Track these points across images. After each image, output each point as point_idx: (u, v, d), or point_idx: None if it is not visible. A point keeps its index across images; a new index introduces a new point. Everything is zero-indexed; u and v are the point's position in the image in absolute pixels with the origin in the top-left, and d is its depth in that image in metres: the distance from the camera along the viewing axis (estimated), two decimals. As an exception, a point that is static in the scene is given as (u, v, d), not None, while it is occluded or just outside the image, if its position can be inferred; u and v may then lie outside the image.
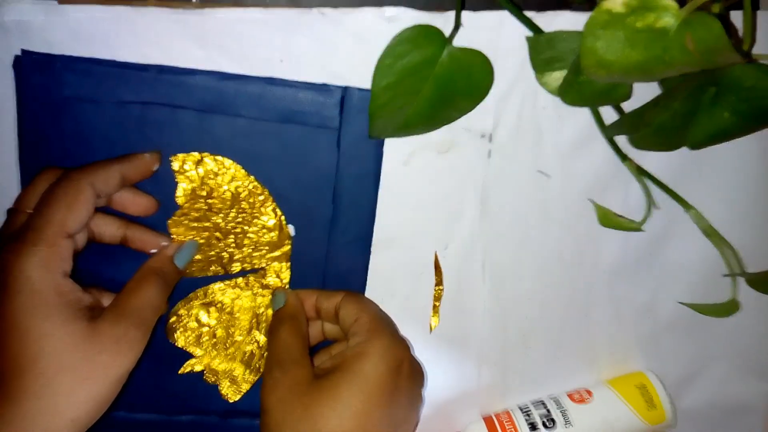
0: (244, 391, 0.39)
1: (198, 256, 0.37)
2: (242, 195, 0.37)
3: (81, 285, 0.32)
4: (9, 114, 0.36)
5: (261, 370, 0.39)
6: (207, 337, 0.38)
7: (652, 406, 0.39)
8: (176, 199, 0.37)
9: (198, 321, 0.38)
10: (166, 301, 0.34)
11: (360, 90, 0.36)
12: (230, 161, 0.37)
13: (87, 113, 0.36)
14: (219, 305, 0.38)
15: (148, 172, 0.36)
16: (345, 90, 0.36)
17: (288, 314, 0.36)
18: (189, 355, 0.39)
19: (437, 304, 0.40)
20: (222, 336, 0.39)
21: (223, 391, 0.39)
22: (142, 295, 0.33)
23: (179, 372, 0.39)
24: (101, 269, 0.36)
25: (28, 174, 0.36)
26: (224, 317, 0.38)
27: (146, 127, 0.36)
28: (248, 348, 0.39)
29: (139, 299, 0.32)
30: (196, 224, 0.37)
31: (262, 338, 0.39)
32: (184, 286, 0.38)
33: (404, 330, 0.39)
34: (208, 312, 0.38)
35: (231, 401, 0.39)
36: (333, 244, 0.38)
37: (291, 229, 0.38)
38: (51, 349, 0.29)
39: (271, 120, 0.36)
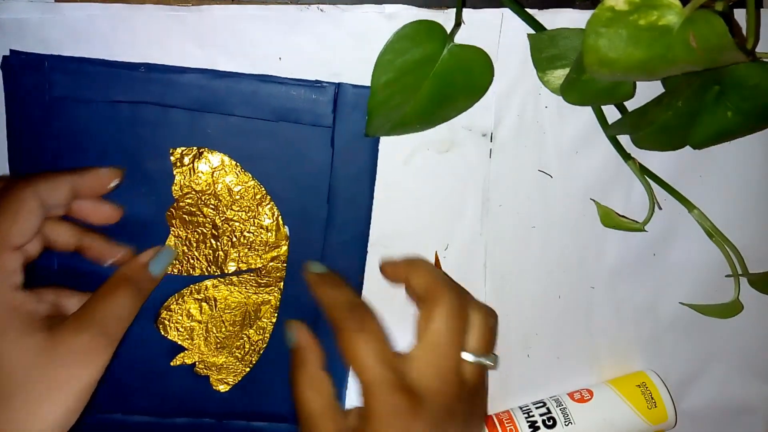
0: (234, 383, 0.39)
1: (194, 254, 0.37)
2: (240, 192, 0.37)
3: (42, 283, 0.31)
4: (-1, 115, 0.36)
5: (252, 363, 0.39)
6: (198, 332, 0.38)
7: (653, 405, 0.39)
8: (173, 192, 0.37)
9: (190, 316, 0.38)
10: (137, 310, 0.33)
11: (354, 86, 0.36)
12: (228, 158, 0.36)
13: (77, 113, 0.35)
14: (212, 302, 0.38)
15: (103, 188, 0.34)
16: (338, 87, 0.36)
17: (309, 375, 0.34)
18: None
19: (438, 304, 0.39)
20: (213, 331, 0.38)
21: (213, 383, 0.39)
22: (110, 304, 0.32)
23: (171, 363, 0.38)
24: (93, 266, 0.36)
25: (19, 174, 0.36)
26: (216, 313, 0.38)
27: (137, 127, 0.36)
28: (239, 342, 0.39)
29: (106, 308, 0.31)
30: (192, 218, 0.37)
31: (252, 332, 0.39)
32: (177, 282, 0.38)
33: (404, 332, 0.38)
34: (200, 308, 0.38)
35: (222, 391, 0.39)
36: (329, 243, 0.38)
37: (285, 230, 0.38)
38: (7, 367, 0.28)
39: (264, 118, 0.36)
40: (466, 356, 0.33)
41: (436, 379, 0.31)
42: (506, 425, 0.39)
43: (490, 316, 0.34)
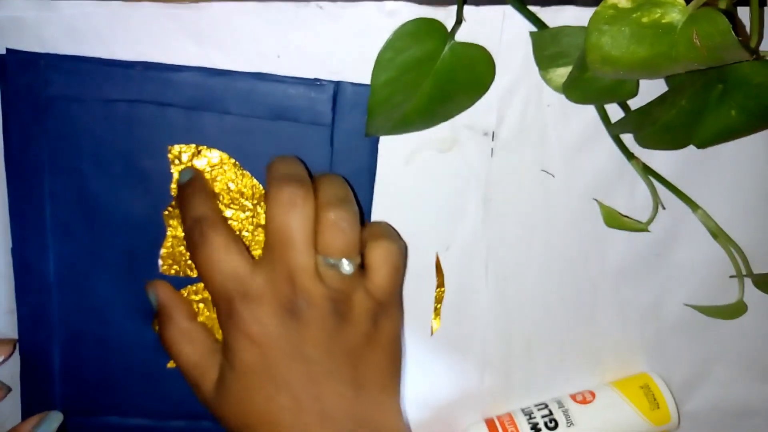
0: None
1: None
2: (238, 191, 0.37)
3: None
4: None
5: None
6: None
7: (655, 407, 0.39)
8: (170, 191, 0.36)
9: None
10: None
11: (353, 85, 0.36)
12: (227, 156, 0.36)
13: (73, 112, 0.35)
14: (210, 302, 0.38)
15: None
16: (337, 85, 0.36)
17: (179, 330, 0.34)
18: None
19: (438, 305, 0.39)
20: (212, 331, 0.38)
21: None
22: None
23: (168, 366, 0.38)
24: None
25: (15, 174, 0.36)
26: (213, 314, 0.38)
27: (134, 126, 0.35)
28: None
29: None
30: None
31: None
32: (177, 282, 0.37)
33: (404, 332, 0.38)
34: (198, 308, 0.38)
35: None
36: None
37: None
38: None
39: (261, 117, 0.36)
40: (319, 259, 0.31)
41: (279, 281, 0.30)
42: (507, 427, 0.39)
43: (345, 220, 0.31)
